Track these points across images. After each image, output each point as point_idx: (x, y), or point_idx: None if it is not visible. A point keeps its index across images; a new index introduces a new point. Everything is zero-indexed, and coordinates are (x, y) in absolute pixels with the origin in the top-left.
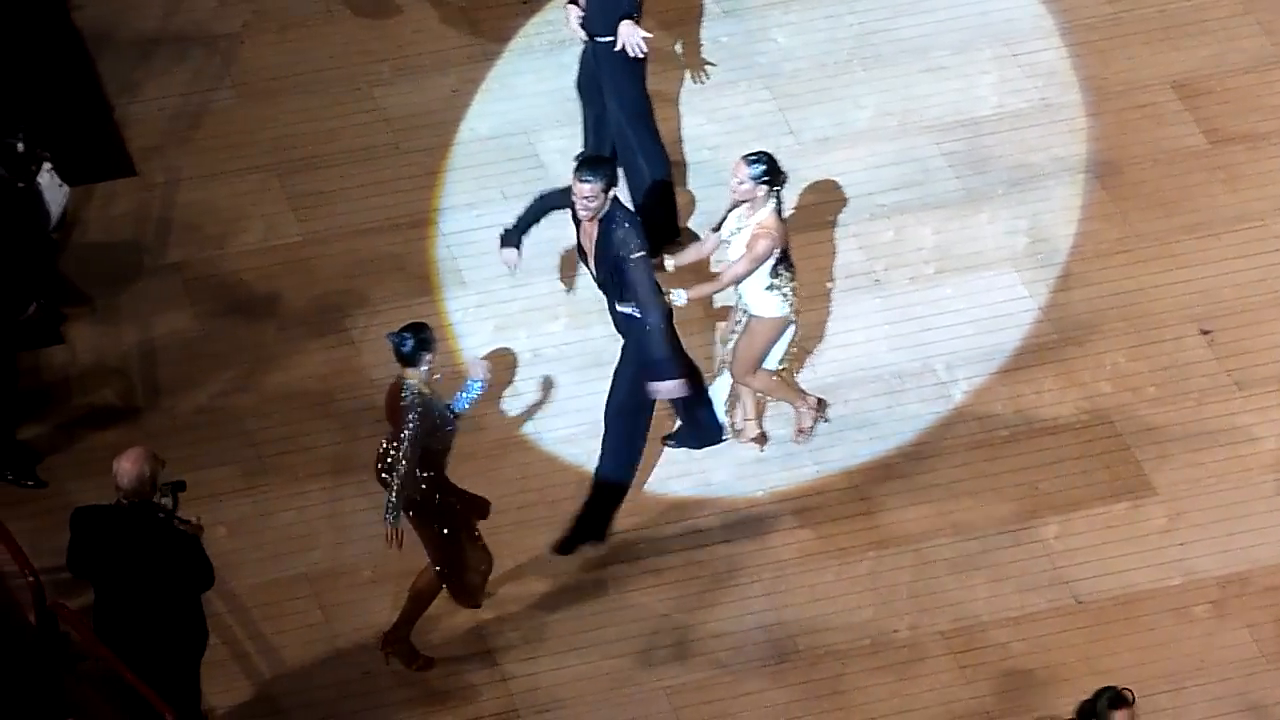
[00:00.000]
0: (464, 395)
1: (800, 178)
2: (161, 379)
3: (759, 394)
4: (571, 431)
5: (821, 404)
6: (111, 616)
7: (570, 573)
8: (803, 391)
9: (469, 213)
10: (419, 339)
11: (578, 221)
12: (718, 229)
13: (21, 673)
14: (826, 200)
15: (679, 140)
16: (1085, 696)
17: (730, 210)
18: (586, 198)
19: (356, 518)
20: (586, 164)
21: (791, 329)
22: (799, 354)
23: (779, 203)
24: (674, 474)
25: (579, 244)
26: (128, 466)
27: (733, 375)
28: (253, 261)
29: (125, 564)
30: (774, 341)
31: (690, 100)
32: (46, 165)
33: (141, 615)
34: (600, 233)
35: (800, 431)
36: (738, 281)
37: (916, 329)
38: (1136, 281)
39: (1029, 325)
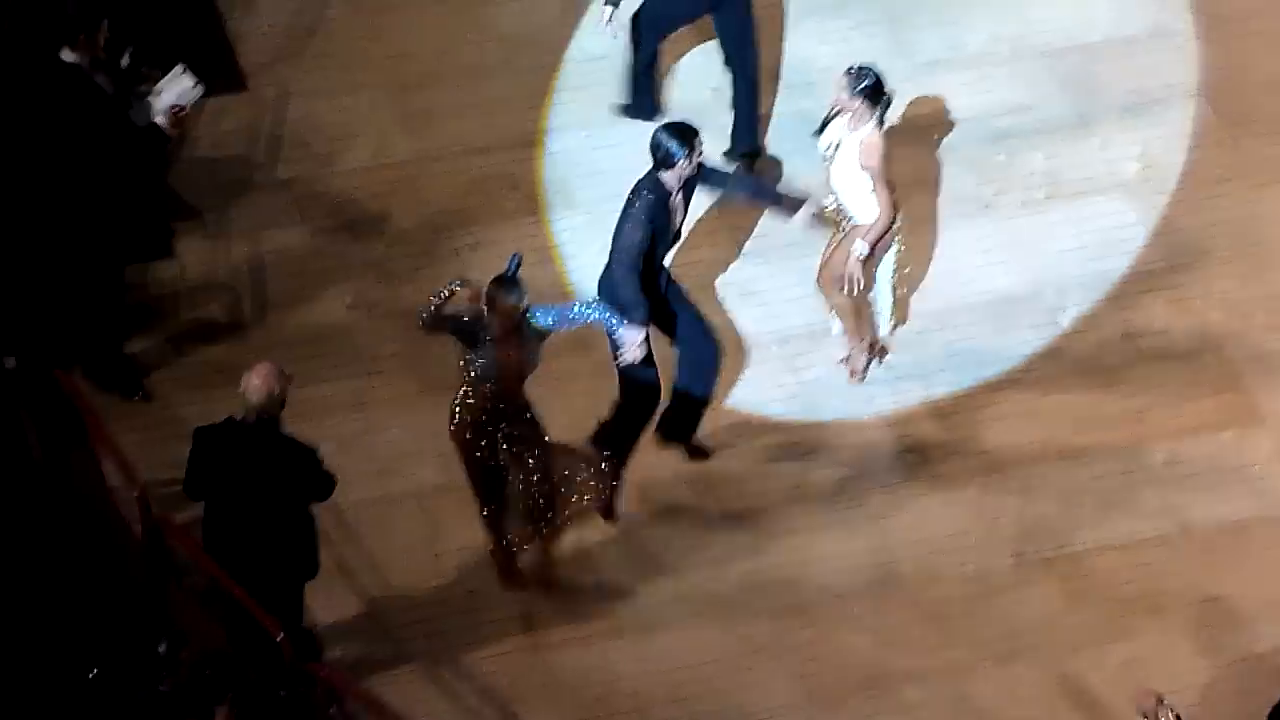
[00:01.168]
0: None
1: (911, 101)
2: (270, 295)
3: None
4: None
5: (881, 350)
6: (225, 532)
7: (678, 499)
8: (871, 328)
9: (579, 133)
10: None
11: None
12: (819, 132)
13: (128, 586)
14: (937, 124)
15: (785, 63)
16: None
17: (829, 120)
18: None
19: None
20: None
21: (893, 242)
22: (907, 277)
23: (882, 121)
24: (779, 396)
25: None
26: (257, 383)
27: (822, 286)
28: (362, 179)
29: (246, 480)
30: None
31: (801, 22)
32: (178, 69)
33: (257, 532)
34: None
35: (852, 372)
36: (887, 209)
37: (1026, 254)
38: (1248, 209)
39: (1139, 251)
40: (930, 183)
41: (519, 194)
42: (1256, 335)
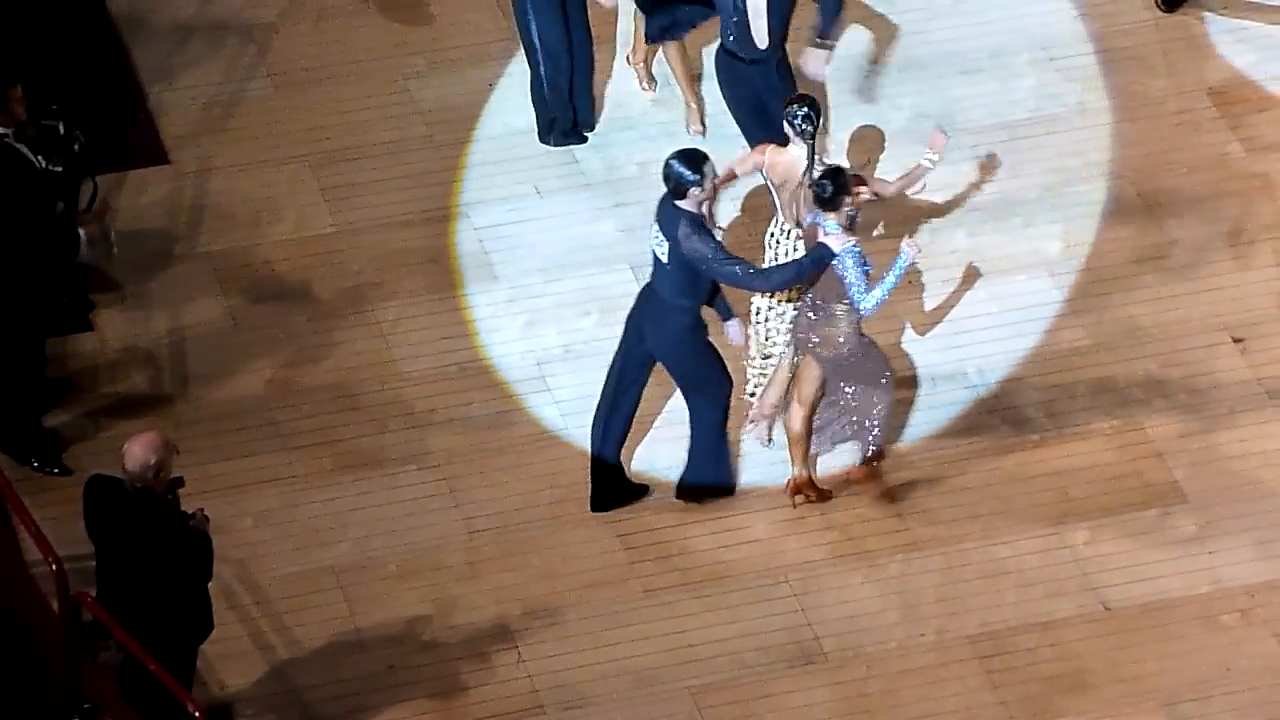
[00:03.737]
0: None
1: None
2: (190, 368)
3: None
4: None
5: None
6: (108, 585)
7: (598, 569)
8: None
9: (502, 206)
10: (837, 183)
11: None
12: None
13: (42, 662)
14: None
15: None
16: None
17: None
18: None
19: (383, 511)
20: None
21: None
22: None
23: (809, 151)
24: None
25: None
26: (135, 451)
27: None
28: (284, 252)
29: (124, 543)
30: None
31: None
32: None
33: (136, 590)
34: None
35: (757, 435)
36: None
37: (949, 331)
38: (1170, 289)
39: (1062, 330)
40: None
41: (439, 268)
42: (1178, 415)
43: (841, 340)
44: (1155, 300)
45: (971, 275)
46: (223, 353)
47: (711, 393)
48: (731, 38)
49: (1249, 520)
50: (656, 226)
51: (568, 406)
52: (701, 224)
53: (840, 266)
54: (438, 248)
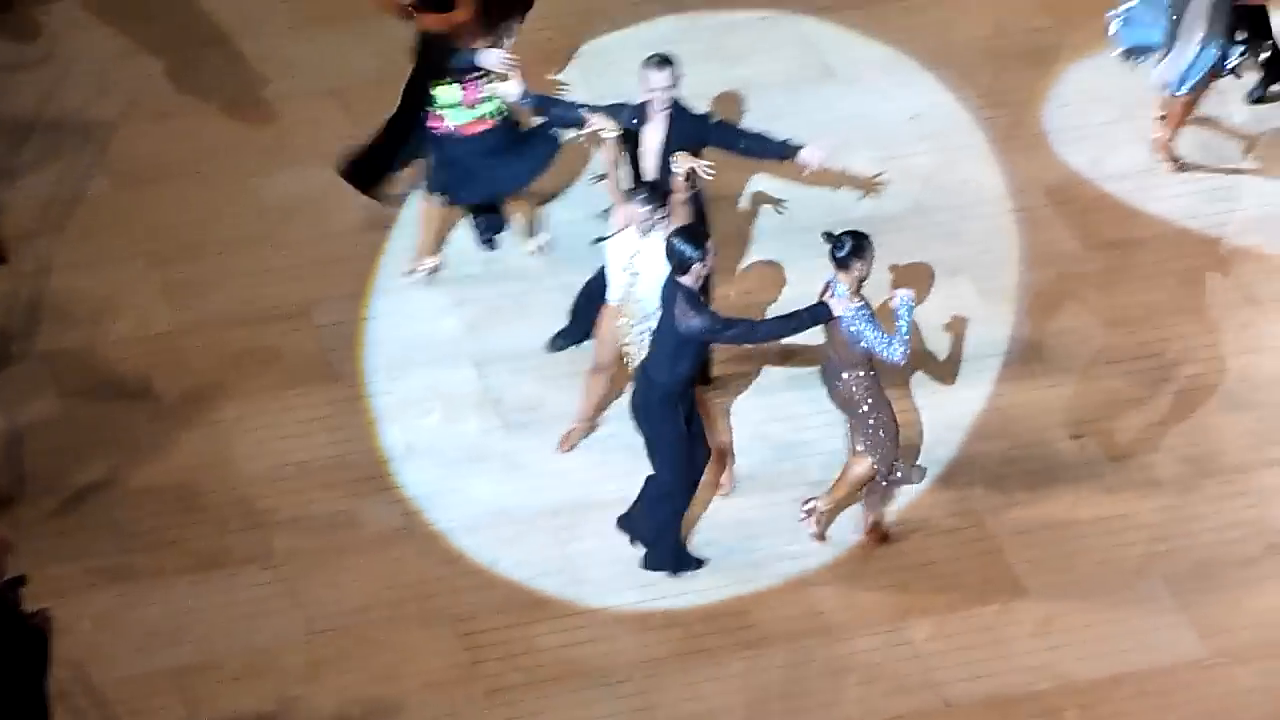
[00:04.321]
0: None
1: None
2: (28, 468)
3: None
4: (445, 525)
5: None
6: None
7: (440, 669)
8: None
9: (343, 305)
10: (854, 246)
11: None
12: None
13: None
14: None
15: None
16: None
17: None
18: None
19: (224, 611)
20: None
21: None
22: None
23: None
24: (545, 570)
25: None
26: None
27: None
28: (124, 351)
29: None
30: None
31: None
32: None
33: None
34: None
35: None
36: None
37: (787, 430)
38: (1010, 384)
39: (911, 426)
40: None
41: (281, 366)
42: (1018, 510)
43: (857, 399)
44: (993, 396)
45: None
46: (62, 453)
47: (673, 468)
48: None
49: (1088, 615)
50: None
51: (410, 505)
52: (697, 298)
53: (856, 332)
54: (279, 346)
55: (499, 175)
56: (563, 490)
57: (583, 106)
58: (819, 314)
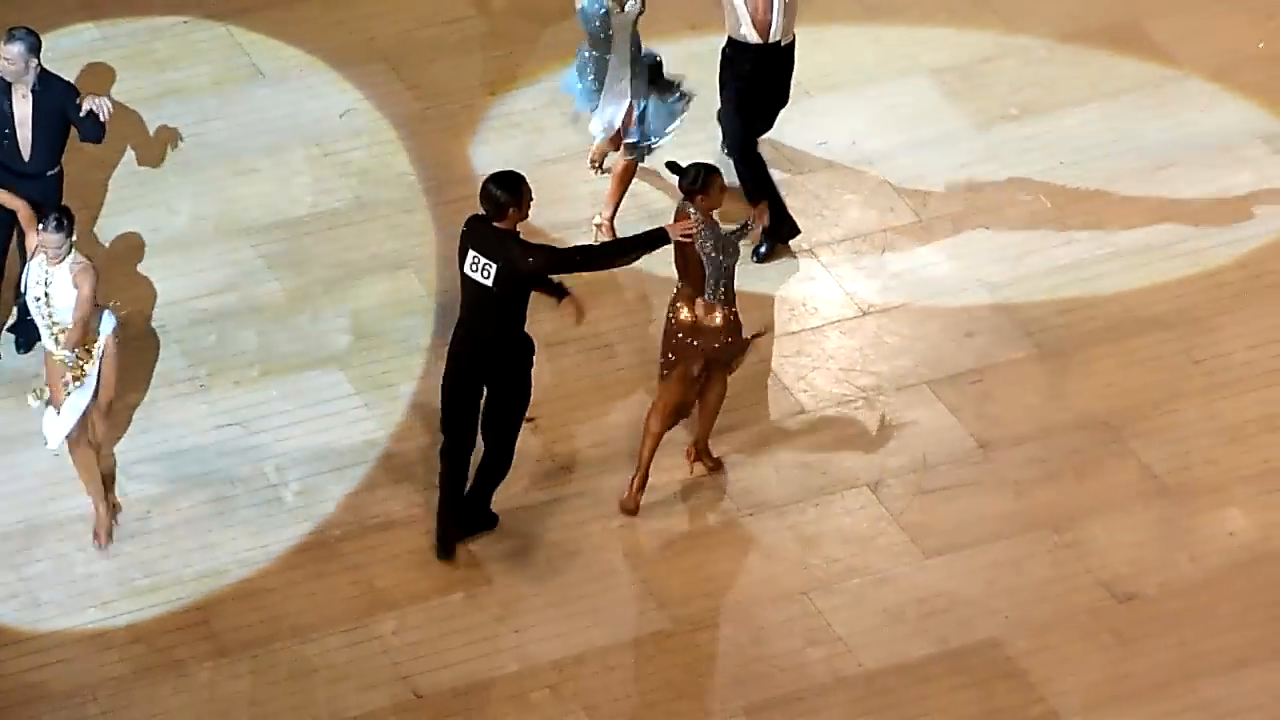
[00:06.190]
0: None
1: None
2: None
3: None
4: None
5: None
6: None
7: None
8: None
9: None
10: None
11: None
12: None
13: None
14: (145, 307)
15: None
16: None
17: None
18: None
19: None
20: None
21: None
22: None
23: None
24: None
25: None
26: None
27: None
28: None
29: None
30: None
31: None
32: None
33: None
34: None
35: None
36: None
37: (244, 433)
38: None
39: (356, 422)
40: (145, 366)
41: None
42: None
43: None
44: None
45: (263, 375)
46: None
47: (517, 419)
48: None
49: (549, 597)
50: (474, 253)
51: None
52: (520, 238)
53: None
54: None
55: None
56: (12, 513)
57: None
58: (656, 238)
